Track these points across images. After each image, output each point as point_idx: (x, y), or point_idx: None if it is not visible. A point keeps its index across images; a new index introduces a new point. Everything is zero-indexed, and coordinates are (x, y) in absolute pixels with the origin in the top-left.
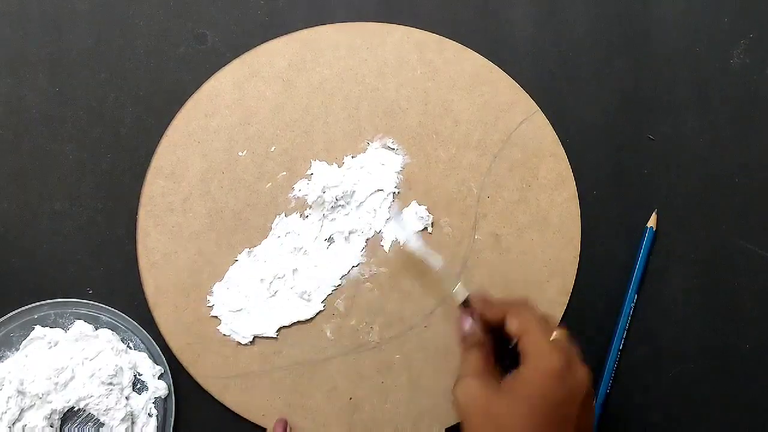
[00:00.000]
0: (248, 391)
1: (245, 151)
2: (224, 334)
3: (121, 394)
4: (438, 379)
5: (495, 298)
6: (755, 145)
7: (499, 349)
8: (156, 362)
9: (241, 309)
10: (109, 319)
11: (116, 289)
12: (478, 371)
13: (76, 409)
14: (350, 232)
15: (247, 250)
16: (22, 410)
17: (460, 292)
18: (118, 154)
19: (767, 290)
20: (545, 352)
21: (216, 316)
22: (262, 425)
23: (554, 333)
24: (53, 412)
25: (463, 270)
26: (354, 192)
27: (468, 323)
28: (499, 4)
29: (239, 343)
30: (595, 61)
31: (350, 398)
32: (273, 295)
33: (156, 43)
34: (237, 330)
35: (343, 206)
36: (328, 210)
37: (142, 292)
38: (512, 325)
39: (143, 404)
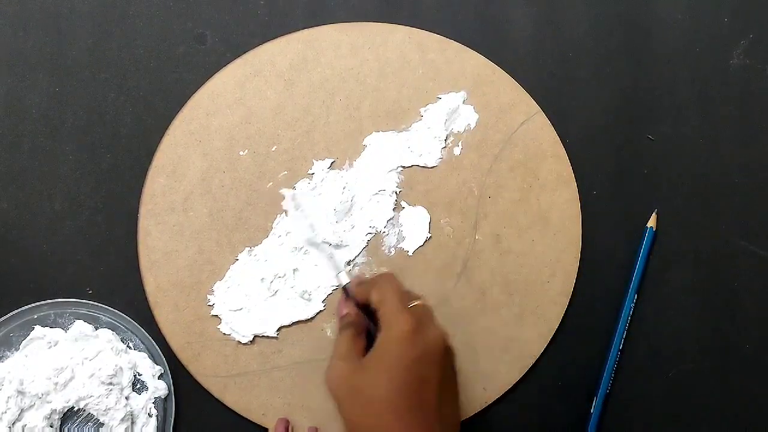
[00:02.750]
0: (248, 391)
1: (246, 151)
2: (224, 334)
3: (120, 394)
4: None
5: (367, 278)
6: (755, 145)
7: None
8: (156, 362)
9: (242, 308)
10: (109, 319)
11: (116, 289)
12: (343, 352)
13: (76, 409)
14: (351, 230)
15: (248, 249)
16: (22, 410)
17: (341, 278)
18: (118, 154)
19: (767, 290)
20: (396, 316)
21: (216, 315)
22: (262, 425)
23: (412, 303)
24: (53, 412)
25: (464, 270)
26: (354, 196)
27: (344, 306)
28: (499, 5)
29: (240, 343)
30: (595, 61)
31: None
32: (273, 295)
33: (156, 43)
34: (237, 329)
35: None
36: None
37: (142, 292)
38: (373, 297)
39: (143, 404)
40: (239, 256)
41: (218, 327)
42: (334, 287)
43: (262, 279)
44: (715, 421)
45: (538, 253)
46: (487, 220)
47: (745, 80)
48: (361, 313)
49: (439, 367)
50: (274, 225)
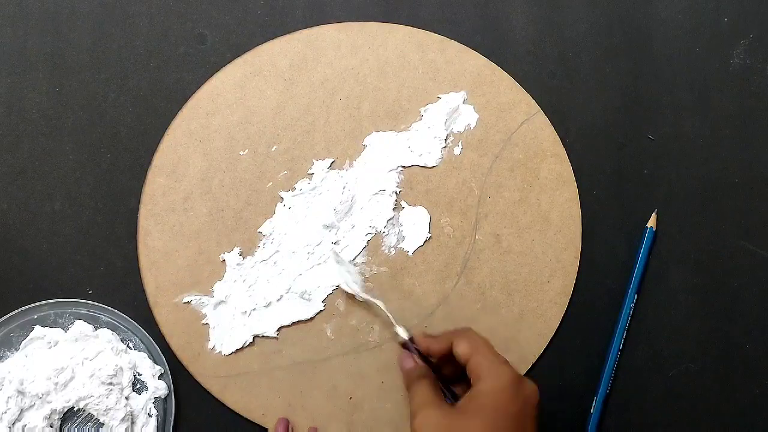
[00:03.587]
0: (248, 391)
1: (246, 150)
2: None
3: (121, 394)
4: None
5: (435, 333)
6: (755, 145)
7: (443, 383)
8: (156, 362)
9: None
10: (109, 319)
11: (116, 289)
12: (432, 400)
13: (76, 409)
14: (351, 230)
15: (240, 251)
16: (22, 410)
17: (401, 332)
18: (118, 154)
19: (767, 290)
20: (497, 367)
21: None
22: (262, 425)
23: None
24: (53, 412)
25: (464, 270)
26: (354, 196)
27: (410, 360)
28: (499, 4)
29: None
30: (595, 61)
31: (350, 398)
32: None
33: (156, 43)
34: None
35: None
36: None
37: (143, 292)
38: (460, 348)
39: (143, 404)
40: (234, 260)
41: None
42: (334, 287)
43: (268, 281)
44: (715, 421)
45: (538, 253)
46: (487, 220)
47: (745, 80)
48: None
49: (535, 422)
50: (272, 228)
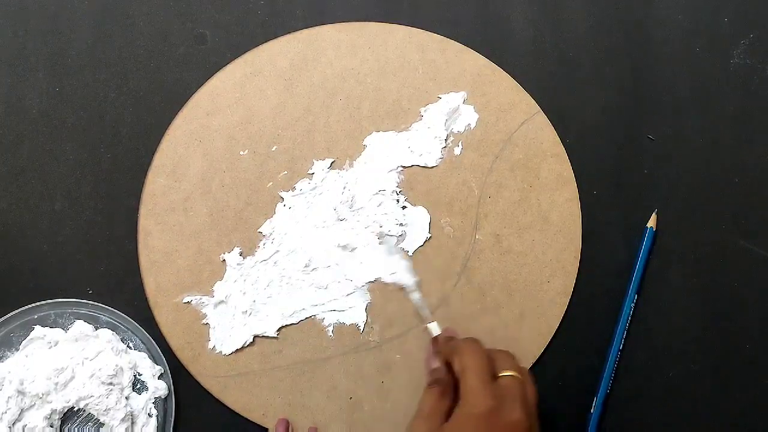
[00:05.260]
0: (249, 391)
1: (246, 150)
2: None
3: (121, 394)
4: None
5: (455, 338)
6: (755, 145)
7: None
8: (156, 362)
9: (244, 310)
10: (109, 319)
11: (116, 289)
12: (426, 413)
13: (76, 409)
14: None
15: (241, 251)
16: (22, 410)
17: (432, 328)
18: (118, 154)
19: (767, 290)
20: (474, 394)
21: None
22: (262, 425)
23: (504, 372)
24: (53, 412)
25: (464, 270)
26: (354, 196)
27: (434, 360)
28: (499, 4)
29: None
30: (595, 61)
31: (350, 398)
32: (272, 296)
33: (156, 43)
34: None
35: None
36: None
37: (142, 292)
38: (455, 365)
39: (143, 404)
40: (235, 260)
41: None
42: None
43: (270, 282)
44: (715, 421)
45: (538, 253)
46: (487, 220)
47: (745, 80)
48: (448, 370)
49: None
50: (272, 228)
